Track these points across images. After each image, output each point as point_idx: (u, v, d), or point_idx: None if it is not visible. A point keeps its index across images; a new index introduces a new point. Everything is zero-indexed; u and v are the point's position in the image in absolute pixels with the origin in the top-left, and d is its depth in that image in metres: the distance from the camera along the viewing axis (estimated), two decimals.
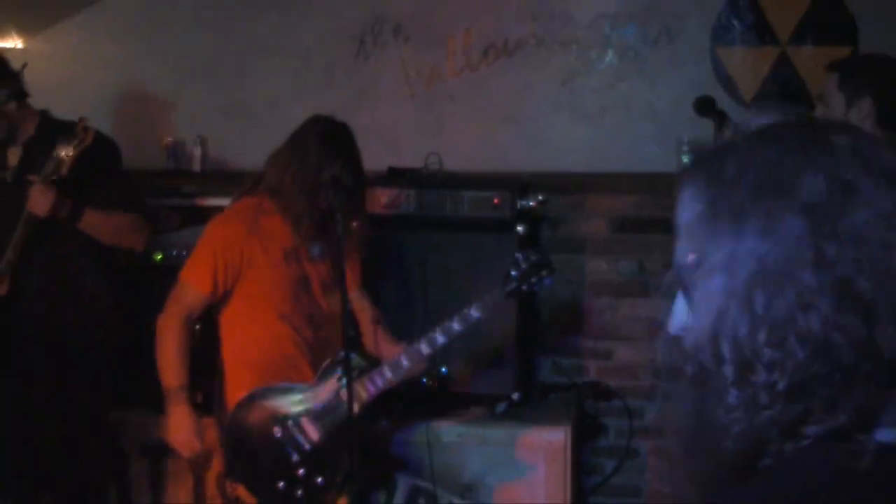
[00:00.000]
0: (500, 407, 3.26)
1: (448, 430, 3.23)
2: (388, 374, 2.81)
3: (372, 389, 2.80)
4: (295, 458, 2.75)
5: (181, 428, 2.75)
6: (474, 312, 2.75)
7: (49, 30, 4.05)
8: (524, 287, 2.78)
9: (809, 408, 0.78)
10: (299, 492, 2.75)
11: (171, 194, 3.51)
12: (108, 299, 3.18)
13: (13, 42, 4.02)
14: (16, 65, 3.22)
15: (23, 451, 3.21)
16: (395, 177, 3.53)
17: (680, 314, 0.88)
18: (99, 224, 3.04)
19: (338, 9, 3.96)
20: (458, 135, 3.88)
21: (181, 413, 2.73)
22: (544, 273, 2.63)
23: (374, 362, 2.86)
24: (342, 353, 2.72)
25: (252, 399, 2.78)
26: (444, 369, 3.47)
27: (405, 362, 2.81)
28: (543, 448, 3.25)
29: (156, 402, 2.97)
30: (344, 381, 2.68)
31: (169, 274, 3.57)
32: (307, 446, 2.76)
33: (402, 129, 3.88)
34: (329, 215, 2.70)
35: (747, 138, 0.87)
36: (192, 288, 2.77)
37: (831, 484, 0.77)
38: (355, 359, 2.78)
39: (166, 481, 3.39)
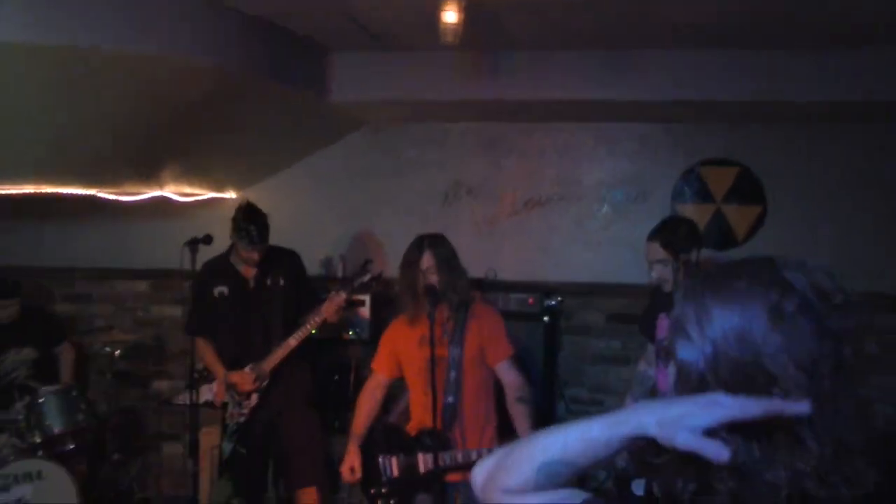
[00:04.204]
0: None
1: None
2: (458, 458, 3.33)
3: (429, 465, 3.35)
4: (384, 478, 3.52)
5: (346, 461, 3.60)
6: None
7: (256, 185, 5.64)
8: None
9: None
10: (379, 502, 3.51)
11: (322, 292, 4.50)
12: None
13: (229, 194, 5.65)
14: (231, 210, 4.46)
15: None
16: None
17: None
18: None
19: (431, 176, 5.54)
20: (507, 257, 5.39)
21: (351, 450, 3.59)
22: None
23: (443, 444, 3.36)
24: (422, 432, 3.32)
25: (381, 429, 3.62)
26: None
27: (472, 457, 3.28)
28: None
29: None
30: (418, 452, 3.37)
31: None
32: (392, 475, 3.51)
33: (472, 254, 4.66)
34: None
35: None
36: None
37: None
38: (426, 439, 3.37)
39: None
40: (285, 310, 4.39)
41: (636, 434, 1.09)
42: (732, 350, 1.10)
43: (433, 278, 3.39)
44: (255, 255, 4.23)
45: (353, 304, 4.69)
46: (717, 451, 1.02)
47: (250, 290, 4.38)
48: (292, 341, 4.20)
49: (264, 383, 4.31)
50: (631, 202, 5.39)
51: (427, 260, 3.39)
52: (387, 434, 3.59)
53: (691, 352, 1.13)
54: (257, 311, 4.38)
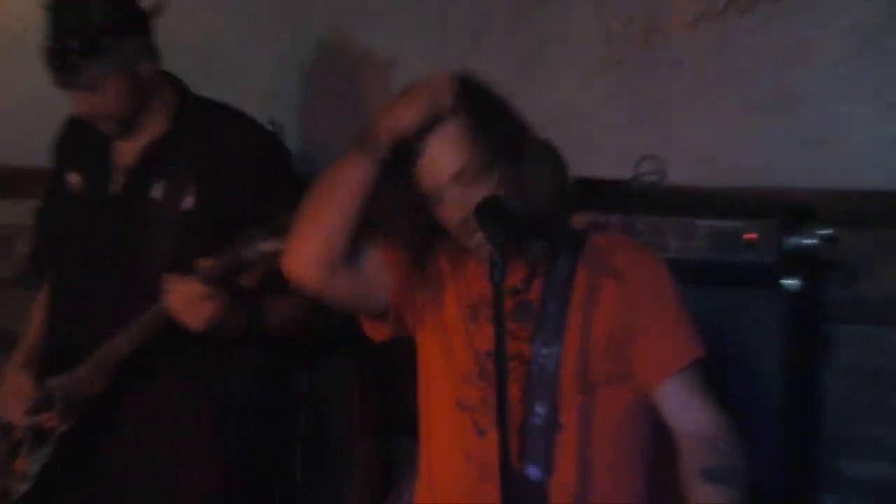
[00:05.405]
0: None
1: None
2: None
3: None
4: None
5: None
6: None
7: None
8: None
9: None
10: None
11: None
12: None
13: None
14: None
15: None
16: (590, 192, 3.21)
17: None
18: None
19: None
20: (688, 127, 3.49)
21: None
22: None
23: None
24: None
25: None
26: None
27: None
28: None
29: None
30: None
31: None
32: None
33: (600, 115, 3.53)
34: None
35: None
36: None
37: None
38: None
39: None
40: (183, 257, 2.93)
41: None
42: None
43: (458, 205, 2.14)
44: (78, 107, 2.93)
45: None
46: None
47: (111, 194, 3.05)
48: (123, 343, 2.84)
49: (59, 426, 2.97)
50: None
51: (438, 149, 2.16)
52: None
53: None
54: (122, 243, 3.05)
